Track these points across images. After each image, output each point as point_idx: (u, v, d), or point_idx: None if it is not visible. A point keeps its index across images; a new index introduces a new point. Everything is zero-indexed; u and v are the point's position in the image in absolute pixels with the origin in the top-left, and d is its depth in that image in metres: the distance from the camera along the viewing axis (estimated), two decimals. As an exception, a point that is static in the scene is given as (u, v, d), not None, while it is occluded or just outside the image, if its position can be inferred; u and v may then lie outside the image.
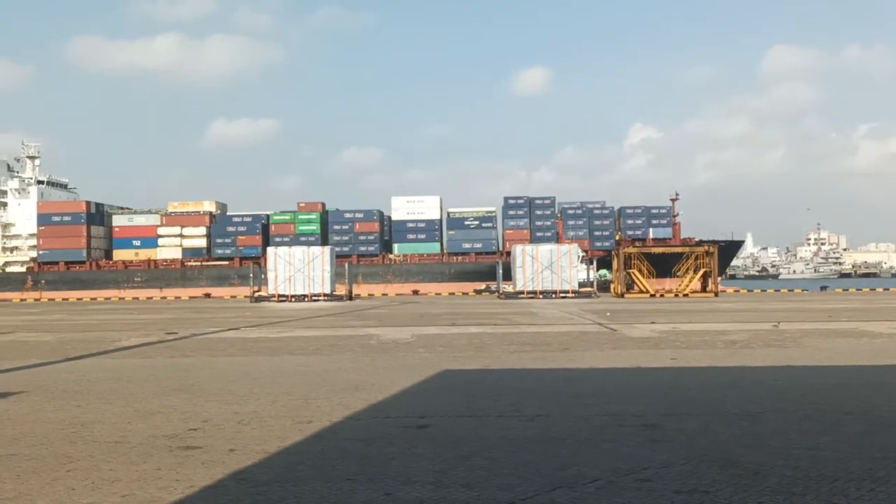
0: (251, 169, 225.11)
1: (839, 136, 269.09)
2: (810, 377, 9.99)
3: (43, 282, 67.88)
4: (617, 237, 68.45)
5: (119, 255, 69.75)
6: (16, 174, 75.59)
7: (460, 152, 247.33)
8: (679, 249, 53.17)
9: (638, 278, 47.02)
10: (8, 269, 71.96)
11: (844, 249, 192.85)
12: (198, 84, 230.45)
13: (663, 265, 51.11)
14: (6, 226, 73.99)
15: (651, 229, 68.46)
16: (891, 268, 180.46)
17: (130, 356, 13.83)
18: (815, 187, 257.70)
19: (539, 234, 67.90)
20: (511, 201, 69.80)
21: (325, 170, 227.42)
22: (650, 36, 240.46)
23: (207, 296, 63.45)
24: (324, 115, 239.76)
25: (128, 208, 73.96)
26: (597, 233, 68.83)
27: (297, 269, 45.23)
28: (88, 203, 69.94)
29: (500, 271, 49.42)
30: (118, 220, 70.92)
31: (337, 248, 67.60)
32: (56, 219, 68.56)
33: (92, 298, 60.75)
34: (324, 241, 67.71)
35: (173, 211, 71.28)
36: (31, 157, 76.51)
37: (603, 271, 49.33)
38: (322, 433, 6.72)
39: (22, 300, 62.64)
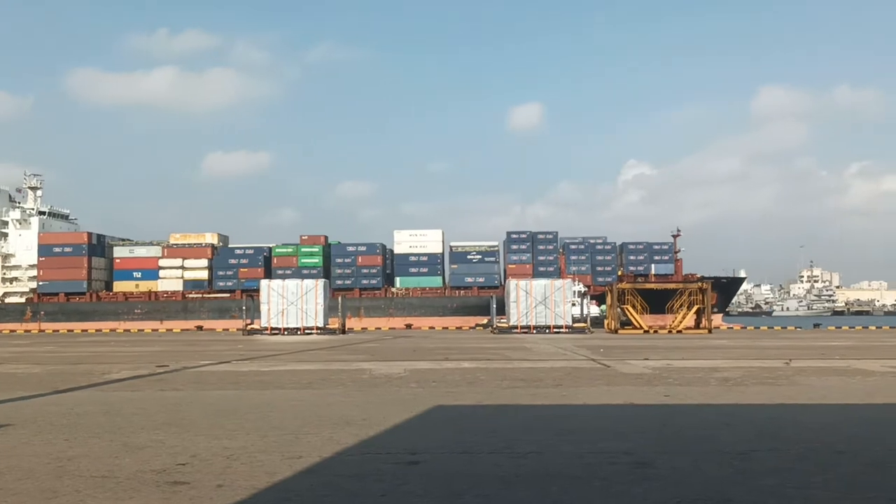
0: (247, 201, 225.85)
1: (831, 175, 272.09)
2: (803, 415, 9.96)
3: (42, 313, 67.50)
4: (619, 273, 68.58)
5: (119, 286, 69.60)
6: (17, 205, 75.58)
7: (456, 187, 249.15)
8: (672, 285, 53.27)
9: (631, 314, 46.99)
10: (7, 300, 71.50)
11: (837, 287, 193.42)
12: (194, 117, 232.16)
13: (659, 301, 51.18)
14: (6, 256, 73.75)
15: (653, 265, 68.71)
16: (883, 306, 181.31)
17: (120, 389, 13.73)
18: (808, 225, 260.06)
19: (542, 268, 67.96)
20: (514, 236, 69.94)
21: (322, 203, 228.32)
22: (641, 74, 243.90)
23: (200, 328, 63.14)
24: (320, 148, 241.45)
25: (128, 240, 73.94)
26: (599, 268, 68.93)
27: (291, 301, 45.13)
28: (90, 234, 69.99)
29: (494, 306, 49.54)
30: (119, 252, 70.87)
31: (339, 282, 68.18)
32: (57, 249, 68.60)
33: (94, 330, 60.26)
34: (326, 274, 67.94)
35: (175, 243, 71.36)
36: (33, 188, 76.65)
37: (604, 306, 49.52)
38: (312, 469, 6.66)
39: (23, 331, 62.27)
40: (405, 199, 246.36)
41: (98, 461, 7.08)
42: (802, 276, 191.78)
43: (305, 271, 68.40)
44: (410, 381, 14.40)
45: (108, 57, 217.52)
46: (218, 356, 23.21)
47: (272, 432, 8.56)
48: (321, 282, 47.16)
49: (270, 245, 70.83)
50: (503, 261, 69.88)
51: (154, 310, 67.40)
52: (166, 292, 68.68)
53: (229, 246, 72.82)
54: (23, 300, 70.29)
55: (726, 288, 71.10)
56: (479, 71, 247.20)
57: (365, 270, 69.06)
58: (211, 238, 72.11)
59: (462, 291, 66.87)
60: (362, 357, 22.53)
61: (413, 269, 69.55)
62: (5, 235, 73.83)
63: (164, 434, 8.52)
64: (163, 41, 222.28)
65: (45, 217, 74.69)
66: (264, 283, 47.13)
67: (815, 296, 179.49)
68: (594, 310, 52.08)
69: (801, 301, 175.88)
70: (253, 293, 57.24)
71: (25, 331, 62.44)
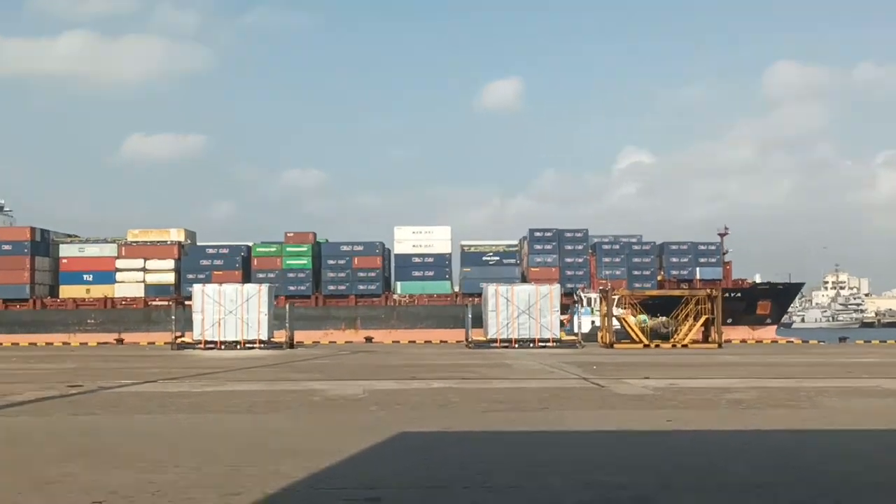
0: (175, 191, 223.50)
1: (856, 165, 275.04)
2: (827, 443, 10.10)
3: None
4: (659, 278, 68.65)
5: (67, 291, 68.04)
6: None
7: (421, 176, 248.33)
8: (678, 292, 53.81)
9: (628, 325, 47.39)
10: None
11: (867, 294, 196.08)
12: (109, 92, 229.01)
13: (663, 311, 51.69)
14: None
15: (699, 269, 68.52)
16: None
17: (24, 413, 13.55)
18: (832, 223, 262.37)
19: (569, 272, 67.51)
20: (537, 234, 69.31)
21: (263, 193, 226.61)
22: (639, 47, 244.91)
23: (120, 341, 62.54)
24: (261, 131, 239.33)
25: (76, 236, 72.39)
26: (636, 272, 68.52)
27: (229, 310, 44.78)
28: (33, 229, 68.03)
29: (470, 316, 49.45)
30: (66, 251, 69.17)
31: (331, 287, 67.97)
32: None
33: (45, 343, 58.83)
34: (315, 277, 67.75)
35: (134, 240, 69.89)
36: None
37: (642, 317, 49.75)
38: (253, 507, 6.62)
39: None
40: (361, 190, 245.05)
41: (-3, 499, 6.98)
42: (826, 283, 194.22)
43: (291, 275, 68.09)
44: (370, 404, 14.38)
45: (7, 20, 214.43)
46: (142, 374, 23.00)
47: (206, 464, 8.50)
48: (265, 287, 46.98)
49: (248, 243, 70.14)
50: (524, 263, 69.43)
51: (110, 320, 65.82)
52: (125, 299, 67.29)
53: (199, 244, 71.85)
54: None
55: (783, 295, 71.31)
56: (445, 40, 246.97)
57: (362, 274, 68.43)
58: (177, 235, 70.88)
59: (476, 299, 66.54)
60: (313, 376, 22.45)
61: (416, 273, 68.79)
62: None
63: (78, 466, 8.42)
64: (72, 1, 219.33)
65: None
66: (197, 287, 46.85)
67: (841, 305, 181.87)
68: (630, 320, 52.33)
69: (824, 311, 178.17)
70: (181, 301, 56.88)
71: None
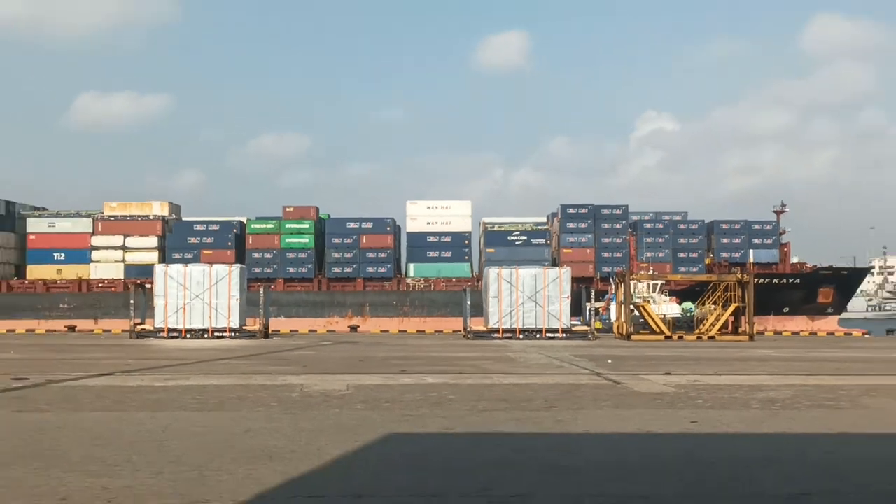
0: (134, 158, 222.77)
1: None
2: (871, 448, 10.13)
3: None
4: (707, 261, 68.64)
5: (36, 271, 67.80)
6: None
7: (414, 143, 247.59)
8: (703, 278, 53.94)
9: (649, 314, 47.52)
10: None
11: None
12: (58, 44, 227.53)
13: (691, 298, 51.88)
14: None
15: (752, 251, 68.62)
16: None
17: (-38, 409, 13.56)
18: (879, 199, 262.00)
19: (606, 253, 67.34)
20: (571, 210, 69.13)
21: (232, 162, 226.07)
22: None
23: (72, 328, 62.61)
24: (232, 90, 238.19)
25: (43, 208, 71.87)
26: (681, 254, 68.49)
27: (195, 294, 44.79)
28: None
29: (469, 302, 49.32)
30: (34, 225, 68.76)
31: (336, 269, 67.92)
32: None
33: (6, 331, 58.63)
34: (319, 257, 67.55)
35: (112, 215, 69.47)
36: None
37: (687, 304, 49.90)
38: (222, 517, 6.64)
39: None
40: (347, 159, 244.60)
41: (-68, 506, 6.99)
42: (873, 268, 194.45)
43: (291, 255, 67.95)
44: (355, 402, 14.40)
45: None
46: (96, 366, 23.00)
47: (169, 468, 8.52)
48: (237, 268, 46.96)
49: (241, 218, 69.94)
50: (555, 243, 69.14)
51: (86, 304, 65.69)
52: (102, 281, 67.15)
53: (185, 219, 71.54)
54: None
55: (847, 282, 71.76)
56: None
57: (371, 254, 68.33)
58: (160, 208, 70.63)
59: None
60: (291, 369, 22.49)
61: (432, 253, 68.74)
62: None
63: (23, 470, 8.43)
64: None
65: None
66: (159, 268, 46.98)
67: (890, 293, 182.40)
68: (673, 308, 52.24)
69: (870, 300, 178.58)
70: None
71: None
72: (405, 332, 59.39)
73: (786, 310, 67.12)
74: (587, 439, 10.78)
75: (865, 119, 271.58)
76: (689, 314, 49.95)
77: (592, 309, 52.37)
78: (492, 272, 46.70)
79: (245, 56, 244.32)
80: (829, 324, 68.33)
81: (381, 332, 60.27)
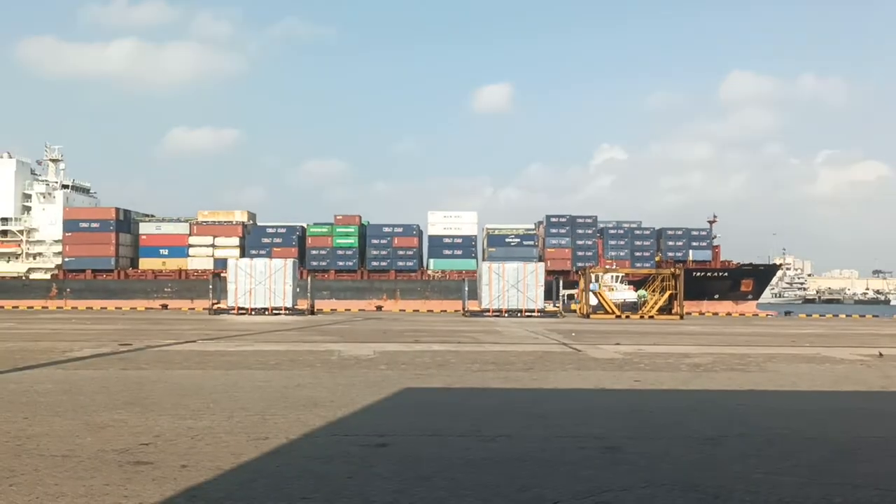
0: (212, 179, 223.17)
1: (800, 163, 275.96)
2: (773, 402, 10.13)
3: (68, 290, 66.48)
4: (657, 259, 69.08)
5: (145, 263, 68.98)
6: (38, 177, 74.00)
7: (425, 168, 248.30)
8: (646, 271, 54.06)
9: (603, 298, 47.49)
10: (32, 276, 70.08)
11: (809, 275, 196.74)
12: (156, 92, 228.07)
13: (640, 287, 52.18)
14: (30, 231, 72.08)
15: (691, 251, 69.47)
16: (854, 294, 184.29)
17: (81, 367, 13.59)
18: (780, 213, 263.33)
19: (580, 252, 68.55)
20: (553, 219, 70.41)
21: (288, 181, 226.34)
22: (614, 58, 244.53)
23: (164, 307, 62.73)
24: (286, 125, 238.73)
25: (152, 216, 73.21)
26: (637, 253, 69.46)
27: (259, 281, 44.98)
28: (118, 210, 69.13)
29: (467, 289, 49.92)
30: (145, 228, 70.05)
31: (374, 263, 68.79)
32: (84, 225, 67.77)
33: (129, 308, 59.27)
34: (361, 255, 68.60)
35: (204, 220, 70.89)
36: (55, 160, 74.88)
37: (641, 291, 50.29)
38: (278, 450, 6.66)
39: (54, 307, 61.66)
40: (373, 179, 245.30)
41: (58, 440, 7.01)
42: (783, 264, 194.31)
43: (341, 252, 68.99)
44: (380, 364, 14.42)
45: (64, 27, 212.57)
46: (183, 335, 23.05)
47: (238, 413, 8.54)
48: (290, 261, 47.13)
49: (303, 224, 70.61)
50: (541, 244, 70.13)
51: (184, 288, 66.56)
52: (196, 270, 67.73)
53: (259, 224, 72.31)
54: (48, 276, 69.24)
55: (763, 275, 72.10)
56: (445, 50, 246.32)
57: (401, 252, 69.30)
58: (240, 216, 71.68)
59: None
60: (331, 338, 22.50)
61: (447, 252, 69.74)
62: (28, 209, 72.06)
63: (127, 413, 8.46)
64: (121, 11, 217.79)
65: (68, 191, 73.22)
66: (231, 261, 47.17)
67: (787, 284, 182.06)
68: (630, 294, 52.73)
69: (772, 289, 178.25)
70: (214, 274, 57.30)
71: (44, 307, 61.85)
72: (419, 311, 59.27)
73: (716, 296, 67.64)
74: (555, 393, 10.78)
75: (768, 151, 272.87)
76: (642, 298, 49.90)
77: (564, 295, 52.63)
78: (484, 266, 47.04)
79: (298, 99, 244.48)
80: (749, 307, 68.72)
81: (400, 311, 60.36)
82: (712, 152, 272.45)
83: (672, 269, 48.30)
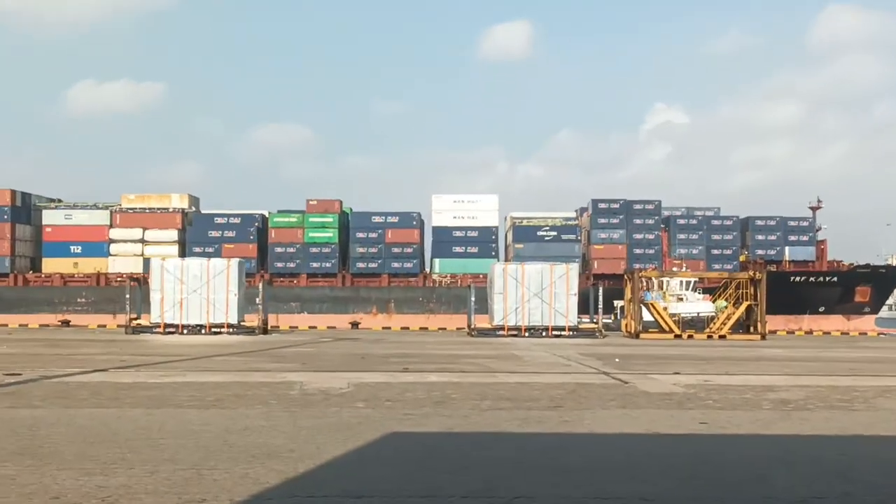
0: (131, 148, 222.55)
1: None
2: (886, 451, 10.14)
3: None
4: (742, 258, 68.18)
5: (52, 265, 67.04)
6: None
7: (415, 136, 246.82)
8: (715, 275, 53.79)
9: (657, 312, 47.44)
10: None
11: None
12: (55, 33, 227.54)
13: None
14: None
15: (787, 248, 67.84)
16: None
17: (-46, 405, 13.59)
18: (894, 194, 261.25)
19: (639, 250, 66.80)
20: (602, 206, 68.26)
21: (233, 153, 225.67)
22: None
23: (66, 323, 62.60)
24: (230, 80, 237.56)
25: (59, 200, 71.39)
26: (715, 251, 67.90)
27: (192, 289, 44.71)
28: (13, 192, 66.34)
29: (473, 298, 49.06)
30: (50, 218, 67.96)
31: (360, 264, 67.90)
32: None
33: (22, 325, 57.93)
34: (342, 251, 67.20)
35: (130, 207, 68.79)
36: None
37: (721, 302, 49.79)
38: (219, 517, 6.66)
39: None
40: (347, 152, 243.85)
41: (-78, 504, 7.01)
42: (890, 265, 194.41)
43: (315, 250, 67.50)
44: (356, 400, 14.42)
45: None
46: (91, 362, 23.06)
47: (164, 467, 8.54)
48: (234, 261, 46.79)
49: (263, 212, 69.85)
50: (585, 239, 68.84)
51: (104, 299, 64.56)
52: (121, 275, 65.77)
53: (204, 212, 71.26)
54: None
55: (884, 281, 70.91)
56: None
57: (397, 249, 67.91)
58: (179, 201, 70.18)
59: None
60: (291, 366, 22.50)
61: (458, 249, 68.38)
62: None
63: (16, 467, 8.46)
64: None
65: None
66: (156, 262, 46.81)
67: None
68: (706, 306, 51.91)
69: (891, 300, 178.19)
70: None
71: None
72: (426, 328, 59.15)
73: (822, 309, 66.30)
74: (592, 439, 10.78)
75: (878, 112, 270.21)
76: (721, 311, 49.54)
77: (618, 307, 51.88)
78: (497, 268, 46.48)
79: (240, 43, 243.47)
80: (865, 323, 67.25)
81: (383, 328, 60.28)
82: (802, 114, 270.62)
83: (750, 273, 48.29)
